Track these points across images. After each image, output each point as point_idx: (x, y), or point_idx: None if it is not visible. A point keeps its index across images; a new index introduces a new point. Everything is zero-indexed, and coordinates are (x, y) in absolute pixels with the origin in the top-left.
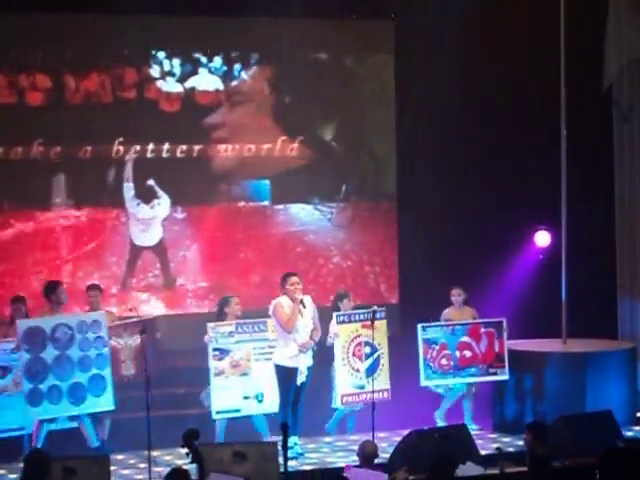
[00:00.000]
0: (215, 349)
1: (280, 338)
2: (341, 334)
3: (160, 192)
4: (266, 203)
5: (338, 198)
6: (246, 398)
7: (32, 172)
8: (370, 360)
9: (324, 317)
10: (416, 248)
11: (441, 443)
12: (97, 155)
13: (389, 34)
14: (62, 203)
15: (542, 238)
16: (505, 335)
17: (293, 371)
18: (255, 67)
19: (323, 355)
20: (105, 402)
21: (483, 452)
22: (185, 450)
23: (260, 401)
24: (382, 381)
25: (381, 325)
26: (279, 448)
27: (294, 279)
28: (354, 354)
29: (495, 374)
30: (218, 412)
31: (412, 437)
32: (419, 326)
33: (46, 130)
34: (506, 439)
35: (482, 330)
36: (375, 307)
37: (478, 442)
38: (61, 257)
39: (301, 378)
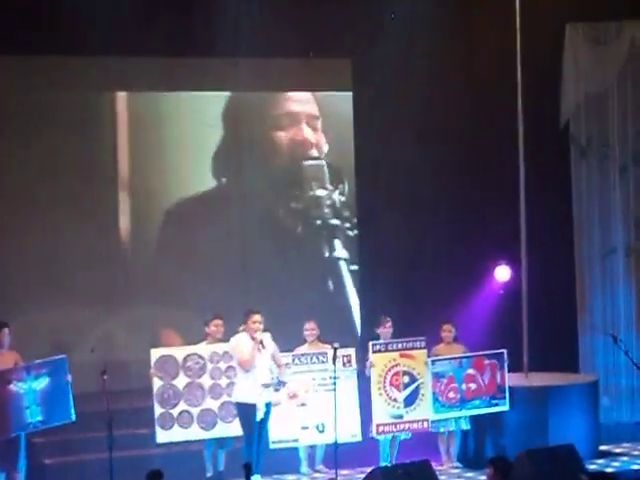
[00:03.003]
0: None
1: (239, 375)
2: (377, 363)
3: None
4: None
5: None
6: (305, 428)
7: None
8: (409, 389)
9: None
10: (378, 284)
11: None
12: None
13: (346, 71)
14: None
15: (502, 273)
16: (506, 366)
17: (252, 407)
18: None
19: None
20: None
21: None
22: None
23: (321, 431)
24: (422, 411)
25: (421, 355)
26: None
27: (256, 317)
28: (391, 383)
29: (497, 405)
30: (274, 442)
31: (375, 474)
32: (428, 360)
33: None
34: (469, 474)
35: (486, 362)
36: (337, 344)
37: (441, 478)
38: None
39: (260, 414)
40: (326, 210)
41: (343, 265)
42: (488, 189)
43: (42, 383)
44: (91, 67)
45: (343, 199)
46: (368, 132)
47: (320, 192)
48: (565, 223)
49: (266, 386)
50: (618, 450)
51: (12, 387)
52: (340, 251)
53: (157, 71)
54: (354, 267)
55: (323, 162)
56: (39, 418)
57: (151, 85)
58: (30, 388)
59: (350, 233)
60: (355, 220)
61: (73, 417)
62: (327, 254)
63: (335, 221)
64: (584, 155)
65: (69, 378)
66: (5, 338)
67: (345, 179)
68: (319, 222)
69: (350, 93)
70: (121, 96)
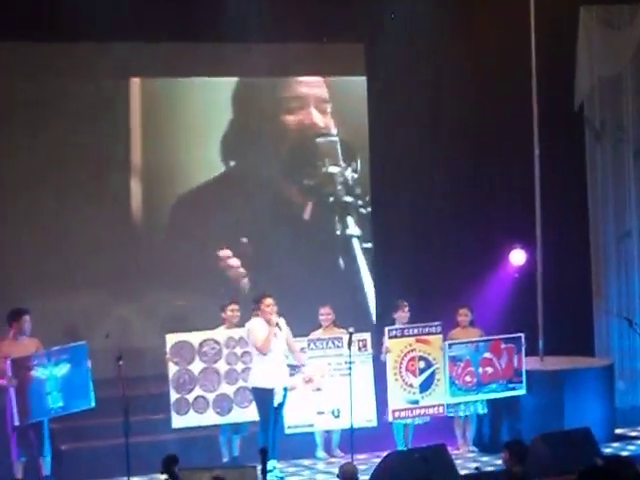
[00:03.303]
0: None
1: (255, 360)
2: (393, 349)
3: None
4: None
5: None
6: (320, 413)
7: None
8: (425, 375)
9: None
10: (392, 269)
11: (421, 464)
12: None
13: (360, 57)
14: None
15: (517, 257)
16: (523, 350)
17: (269, 392)
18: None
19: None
20: None
21: (462, 472)
22: (164, 476)
23: (337, 416)
24: (437, 396)
25: (437, 340)
26: (258, 473)
27: (269, 300)
28: (407, 369)
29: (514, 389)
30: (290, 427)
31: (392, 458)
32: (445, 344)
33: None
34: (484, 458)
35: (502, 346)
36: (352, 329)
37: (457, 462)
38: None
39: (277, 399)
40: (339, 187)
41: (356, 243)
42: (503, 172)
43: (63, 369)
44: (101, 54)
45: (356, 176)
46: (382, 113)
47: (333, 169)
48: (580, 206)
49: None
50: (634, 434)
51: (34, 373)
52: (353, 228)
53: (169, 57)
54: (367, 245)
55: (336, 139)
56: (60, 404)
57: (163, 71)
58: (51, 374)
59: (363, 211)
60: (368, 199)
61: (93, 403)
62: (339, 232)
63: (348, 198)
64: (598, 138)
65: (89, 364)
66: (26, 325)
67: (358, 157)
68: (332, 199)
69: (364, 78)
70: (134, 82)
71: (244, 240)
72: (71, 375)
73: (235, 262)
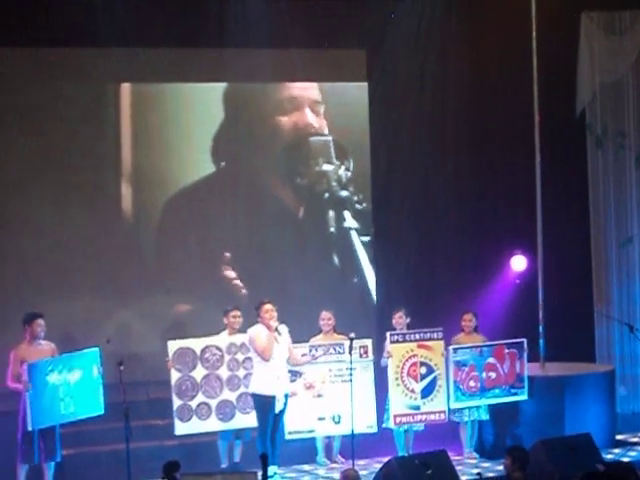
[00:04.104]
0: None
1: (257, 367)
2: (395, 353)
3: None
4: None
5: None
6: (321, 419)
7: None
8: (426, 381)
9: None
10: (392, 274)
11: (421, 470)
12: None
13: (362, 63)
14: None
15: (518, 263)
16: (525, 355)
17: (271, 399)
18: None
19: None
20: None
21: (463, 478)
22: None
23: (337, 422)
24: (438, 402)
25: (438, 346)
26: (259, 478)
27: (268, 307)
28: (409, 374)
29: (516, 394)
30: (290, 432)
31: (392, 464)
32: (450, 348)
33: None
34: (486, 464)
35: (506, 351)
36: (353, 334)
37: (458, 468)
38: None
39: (279, 406)
40: (333, 184)
41: (356, 238)
42: (504, 178)
43: (75, 375)
44: (95, 58)
45: (349, 175)
46: (383, 118)
47: (326, 167)
48: (581, 212)
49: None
50: (634, 439)
51: (49, 378)
52: (350, 221)
53: (161, 62)
54: (365, 238)
55: (329, 137)
56: (71, 410)
57: (156, 76)
58: (65, 380)
59: (358, 207)
60: (365, 202)
61: (102, 410)
62: (334, 230)
63: (344, 193)
64: (600, 145)
65: (100, 370)
66: (39, 329)
67: (351, 157)
68: (327, 195)
69: (365, 83)
70: (124, 87)
71: (242, 244)
72: (82, 381)
73: (232, 271)
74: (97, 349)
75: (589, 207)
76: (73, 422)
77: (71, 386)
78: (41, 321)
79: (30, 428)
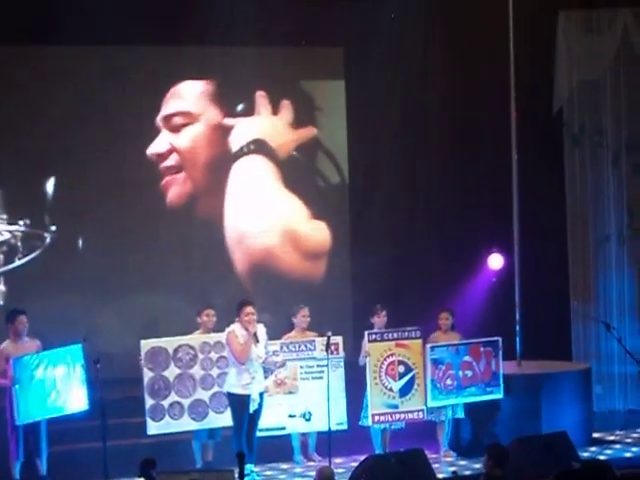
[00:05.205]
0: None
1: (232, 367)
2: (372, 353)
3: None
4: None
5: None
6: (292, 416)
7: None
8: (405, 379)
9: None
10: (369, 273)
11: (398, 468)
12: None
13: (338, 61)
14: None
15: (495, 261)
16: (500, 354)
17: (245, 398)
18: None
19: (357, 374)
20: None
21: (440, 476)
22: (142, 479)
23: (308, 419)
24: (417, 401)
25: (416, 345)
26: (236, 476)
27: (249, 309)
28: (387, 373)
29: (492, 392)
30: (261, 430)
31: (369, 462)
32: (428, 347)
33: None
34: (462, 462)
35: (481, 349)
36: (330, 332)
37: (435, 466)
38: None
39: (253, 405)
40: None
41: None
42: (481, 176)
43: (60, 370)
44: (88, 57)
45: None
46: (361, 116)
47: None
48: (558, 211)
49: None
50: (611, 438)
51: (36, 373)
52: None
53: (148, 60)
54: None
55: None
56: (58, 405)
57: (145, 74)
58: (51, 375)
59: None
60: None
61: (87, 406)
62: None
63: None
64: (577, 143)
65: (84, 366)
66: (21, 326)
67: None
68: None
69: (342, 82)
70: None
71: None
72: (67, 376)
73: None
74: (80, 345)
75: (566, 205)
76: (49, 419)
77: (57, 381)
78: (23, 318)
79: (17, 423)
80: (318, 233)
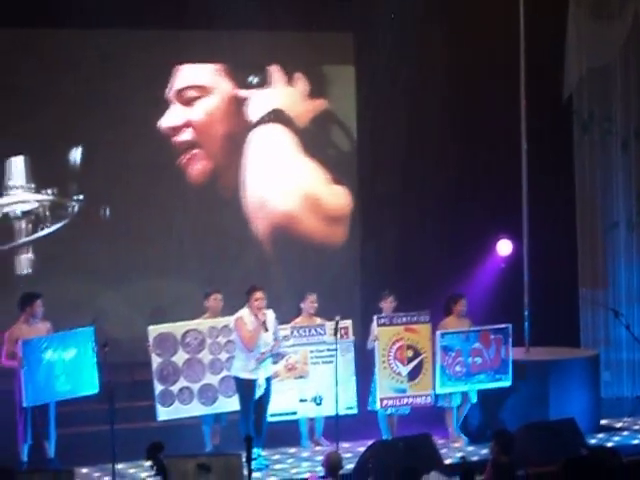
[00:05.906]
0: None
1: (239, 352)
2: (381, 337)
3: None
4: None
5: None
6: (303, 401)
7: None
8: (413, 364)
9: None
10: (378, 258)
11: (405, 453)
12: None
13: (349, 46)
14: None
15: (504, 247)
16: (510, 341)
17: (251, 383)
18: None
19: (365, 359)
20: None
21: (447, 461)
22: (149, 463)
23: (319, 404)
24: (424, 385)
25: (425, 329)
26: (243, 460)
27: (258, 294)
28: (396, 357)
29: (500, 380)
30: (272, 415)
31: (376, 447)
32: (438, 333)
33: None
34: (470, 448)
35: (491, 337)
36: (339, 317)
37: (443, 451)
38: None
39: (260, 390)
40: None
41: None
42: (491, 163)
43: (70, 353)
44: (86, 40)
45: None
46: (370, 102)
47: None
48: (567, 197)
49: (261, 361)
50: (618, 424)
51: (44, 355)
52: None
53: (153, 43)
54: None
55: None
56: (67, 387)
57: (149, 57)
58: (60, 357)
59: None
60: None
61: (97, 389)
62: None
63: None
64: (586, 130)
65: (95, 349)
66: (38, 309)
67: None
68: None
69: (352, 67)
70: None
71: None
72: (77, 359)
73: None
74: (92, 328)
75: (575, 192)
76: (60, 402)
77: (66, 364)
78: (39, 301)
79: (25, 405)
80: (337, 198)
